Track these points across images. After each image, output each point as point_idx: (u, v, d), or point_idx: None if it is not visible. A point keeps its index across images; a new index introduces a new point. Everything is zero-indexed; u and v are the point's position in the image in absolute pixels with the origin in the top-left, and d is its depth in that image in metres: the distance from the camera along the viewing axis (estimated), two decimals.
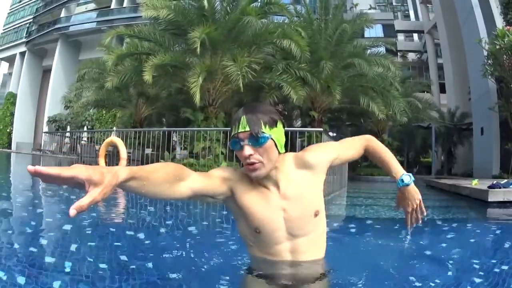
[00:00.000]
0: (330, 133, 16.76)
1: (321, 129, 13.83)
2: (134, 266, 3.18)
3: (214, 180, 2.17)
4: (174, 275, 2.98)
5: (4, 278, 2.60)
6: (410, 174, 2.53)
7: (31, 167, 1.29)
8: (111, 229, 4.97)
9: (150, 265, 3.23)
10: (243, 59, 17.62)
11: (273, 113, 2.23)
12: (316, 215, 2.20)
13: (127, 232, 4.84)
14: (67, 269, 2.93)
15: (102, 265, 3.15)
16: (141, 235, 4.64)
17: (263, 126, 2.11)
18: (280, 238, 2.22)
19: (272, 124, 2.17)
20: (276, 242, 2.23)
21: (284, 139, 2.26)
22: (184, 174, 1.98)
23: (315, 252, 2.27)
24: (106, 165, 14.53)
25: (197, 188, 2.03)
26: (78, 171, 1.39)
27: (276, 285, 2.21)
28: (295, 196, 2.19)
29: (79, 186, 1.42)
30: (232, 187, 2.24)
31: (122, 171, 1.58)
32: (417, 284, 3.00)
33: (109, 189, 1.45)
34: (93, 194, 1.41)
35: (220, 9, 19.76)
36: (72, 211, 1.35)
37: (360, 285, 2.71)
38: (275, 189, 2.23)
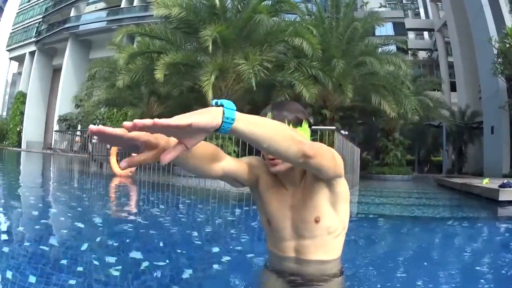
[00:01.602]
0: (342, 131, 16.73)
1: (334, 127, 13.80)
2: (147, 264, 3.19)
3: (244, 166, 2.24)
4: (188, 273, 2.99)
5: (16, 277, 2.62)
6: None
7: (93, 127, 1.30)
8: (124, 227, 4.99)
9: (163, 263, 3.24)
10: (255, 57, 17.63)
11: (300, 112, 2.25)
12: (316, 221, 2.18)
13: (140, 230, 4.85)
14: (79, 268, 2.94)
15: (115, 263, 3.16)
16: (154, 233, 4.66)
17: (286, 125, 2.13)
18: (287, 236, 2.27)
19: (297, 123, 2.20)
20: (283, 238, 2.29)
21: (309, 139, 2.27)
22: (220, 155, 2.05)
23: (323, 255, 2.25)
24: (118, 163, 14.64)
25: (229, 169, 2.11)
26: (139, 133, 1.42)
27: (284, 279, 2.27)
28: (301, 199, 2.22)
29: (134, 148, 1.47)
30: (258, 175, 2.32)
31: (174, 139, 1.63)
32: (428, 282, 3.01)
33: (161, 153, 1.48)
34: (146, 155, 1.46)
35: (232, 7, 19.77)
36: (124, 164, 1.41)
37: (372, 282, 2.74)
38: (291, 189, 2.28)
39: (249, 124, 1.49)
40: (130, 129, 1.28)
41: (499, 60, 25.38)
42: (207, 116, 1.36)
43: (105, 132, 1.31)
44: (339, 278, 2.27)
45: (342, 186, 2.24)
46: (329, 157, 1.97)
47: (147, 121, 1.27)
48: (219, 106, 1.42)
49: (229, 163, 2.12)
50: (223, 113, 1.39)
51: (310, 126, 2.32)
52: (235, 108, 1.43)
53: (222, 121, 1.39)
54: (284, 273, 2.27)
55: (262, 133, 1.54)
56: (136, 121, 1.26)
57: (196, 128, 1.33)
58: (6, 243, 3.71)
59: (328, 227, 2.21)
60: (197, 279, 2.92)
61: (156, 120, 1.27)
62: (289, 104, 2.29)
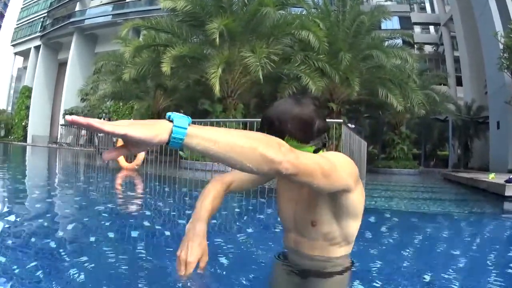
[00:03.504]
0: (349, 125, 16.73)
1: (341, 120, 13.79)
2: (153, 258, 3.18)
3: None
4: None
5: (21, 271, 2.61)
6: None
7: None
8: (129, 220, 4.99)
9: (168, 255, 3.23)
10: (261, 50, 17.63)
11: (288, 119, 1.91)
12: (313, 225, 2.06)
13: (145, 224, 4.85)
14: (85, 263, 2.92)
15: (120, 257, 3.15)
16: (160, 227, 4.65)
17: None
18: (290, 228, 2.24)
19: (275, 133, 1.79)
20: (287, 229, 2.27)
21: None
22: (231, 184, 2.26)
23: (322, 252, 2.13)
24: (124, 157, 14.64)
25: (235, 187, 2.28)
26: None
27: (287, 268, 2.23)
28: (305, 198, 2.10)
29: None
30: None
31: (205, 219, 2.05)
32: (434, 276, 3.00)
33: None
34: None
35: (238, 0, 19.77)
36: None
37: (378, 276, 2.73)
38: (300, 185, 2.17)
39: (205, 142, 1.35)
40: (70, 123, 1.21)
41: (505, 55, 25.23)
42: (150, 131, 1.27)
43: (78, 122, 1.22)
44: (342, 275, 2.13)
45: (350, 201, 1.94)
46: (321, 174, 1.62)
47: (83, 120, 1.19)
48: (171, 121, 1.32)
49: (237, 181, 2.25)
50: (171, 131, 1.29)
51: (305, 141, 1.94)
52: (186, 126, 1.31)
53: (169, 139, 1.29)
54: (288, 262, 2.25)
55: (221, 152, 1.37)
56: (74, 117, 1.19)
57: (133, 139, 1.26)
58: (14, 234, 3.72)
59: (325, 234, 2.07)
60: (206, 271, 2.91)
61: (90, 121, 1.20)
62: (284, 112, 1.93)
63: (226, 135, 1.39)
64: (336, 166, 1.73)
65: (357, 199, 1.96)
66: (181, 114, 1.34)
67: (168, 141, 1.29)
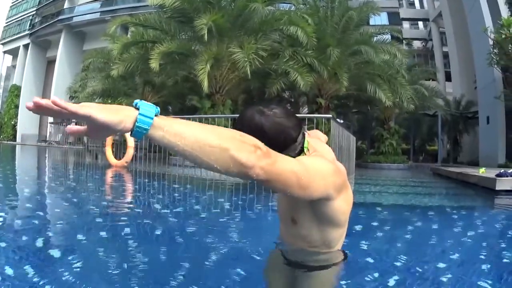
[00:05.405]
0: (338, 120, 16.68)
1: (330, 115, 13.75)
2: (144, 254, 3.17)
3: None
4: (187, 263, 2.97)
5: (13, 270, 2.59)
6: None
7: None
8: (122, 218, 4.98)
9: (161, 252, 3.22)
10: (250, 46, 17.62)
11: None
12: (293, 222, 1.99)
13: (135, 220, 4.84)
14: (75, 260, 2.91)
15: (112, 254, 3.14)
16: (151, 223, 4.65)
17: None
18: (280, 218, 2.22)
19: None
20: (279, 219, 2.23)
21: None
22: None
23: (306, 247, 2.04)
24: (113, 154, 14.64)
25: None
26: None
27: (279, 257, 2.18)
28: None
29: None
30: None
31: None
32: (426, 269, 3.01)
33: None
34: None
35: None
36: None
37: (370, 269, 2.73)
38: None
39: (171, 136, 1.23)
40: (31, 109, 1.11)
41: (494, 50, 25.32)
42: (115, 116, 1.16)
43: (39, 103, 1.11)
44: (327, 269, 2.04)
45: (330, 208, 1.83)
46: (297, 185, 1.51)
47: (43, 101, 1.09)
48: (137, 108, 1.20)
49: None
50: (136, 119, 1.18)
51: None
52: (152, 115, 1.20)
53: (133, 128, 1.18)
54: (281, 252, 2.20)
55: (187, 150, 1.26)
56: (34, 100, 1.09)
57: (97, 122, 1.14)
58: (4, 233, 3.71)
59: (303, 236, 1.98)
60: (196, 267, 2.90)
61: (55, 100, 1.08)
62: (248, 115, 1.77)
63: (197, 131, 1.27)
64: (316, 176, 1.62)
65: (339, 207, 1.85)
66: (149, 103, 1.22)
67: (131, 130, 1.18)
